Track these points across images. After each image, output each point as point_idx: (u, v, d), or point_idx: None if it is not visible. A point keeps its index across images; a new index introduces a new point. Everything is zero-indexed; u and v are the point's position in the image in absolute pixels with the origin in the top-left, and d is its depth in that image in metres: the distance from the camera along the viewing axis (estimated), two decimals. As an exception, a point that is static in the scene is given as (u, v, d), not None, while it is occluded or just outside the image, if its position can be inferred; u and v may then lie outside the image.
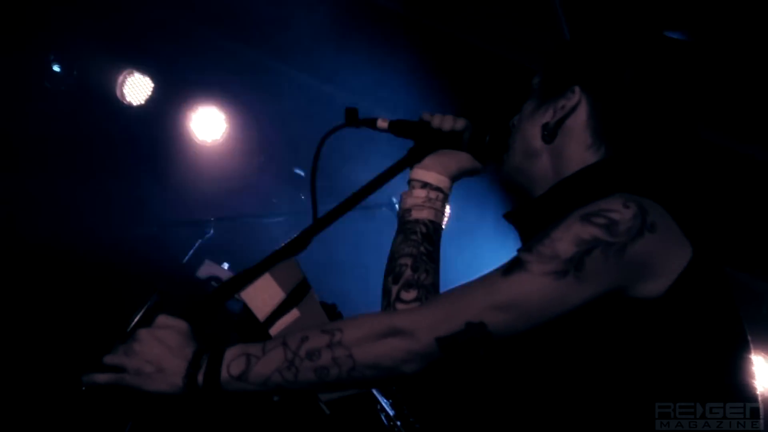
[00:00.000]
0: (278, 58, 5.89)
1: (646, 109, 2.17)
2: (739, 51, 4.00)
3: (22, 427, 4.71)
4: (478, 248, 5.06)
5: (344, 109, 2.52)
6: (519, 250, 1.92)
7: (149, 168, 6.20)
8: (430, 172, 2.50)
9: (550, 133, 2.22)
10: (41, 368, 5.16)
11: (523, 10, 4.48)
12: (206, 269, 4.47)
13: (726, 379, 1.91)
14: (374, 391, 3.70)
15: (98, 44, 5.92)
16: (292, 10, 5.39)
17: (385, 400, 3.77)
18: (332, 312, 3.41)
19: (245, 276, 2.31)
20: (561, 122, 2.21)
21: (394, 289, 2.45)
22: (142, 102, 6.11)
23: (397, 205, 2.57)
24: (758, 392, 1.98)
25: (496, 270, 1.90)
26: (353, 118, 2.52)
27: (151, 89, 6.11)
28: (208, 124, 6.16)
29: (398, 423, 3.75)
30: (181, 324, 2.06)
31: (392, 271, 2.47)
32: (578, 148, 2.20)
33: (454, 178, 2.53)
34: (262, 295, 2.46)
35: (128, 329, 4.03)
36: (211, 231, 5.48)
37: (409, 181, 2.54)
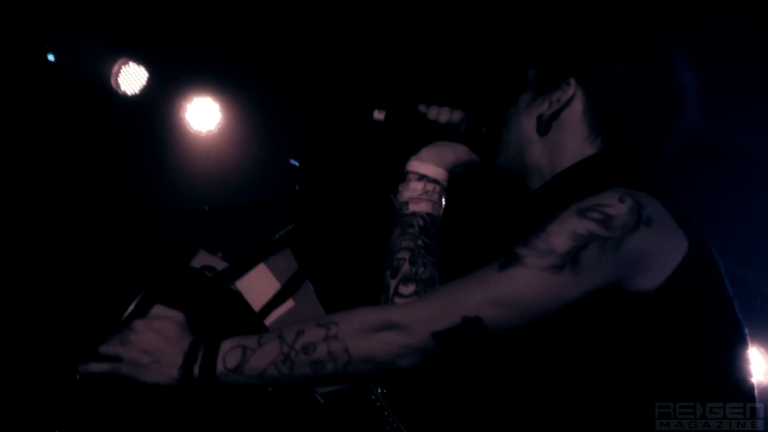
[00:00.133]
0: (274, 47, 5.88)
1: (641, 101, 2.17)
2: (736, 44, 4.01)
3: (16, 417, 4.71)
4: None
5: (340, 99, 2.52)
6: (515, 245, 1.92)
7: (143, 158, 6.19)
8: (426, 164, 2.50)
9: (545, 125, 2.23)
10: (35, 358, 5.16)
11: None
12: (200, 259, 4.45)
13: (724, 376, 1.92)
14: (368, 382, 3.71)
15: (93, 33, 5.90)
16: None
17: (379, 390, 3.78)
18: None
19: (240, 266, 2.32)
20: (556, 114, 2.22)
21: (392, 283, 2.44)
22: (137, 92, 6.10)
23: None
24: (755, 388, 1.99)
25: (492, 264, 1.91)
26: (348, 108, 2.52)
27: (145, 79, 6.09)
28: (202, 115, 6.15)
29: (392, 414, 3.75)
30: (177, 315, 2.07)
31: (390, 265, 2.47)
32: (574, 141, 2.21)
33: (451, 170, 2.52)
34: (258, 285, 2.47)
35: (122, 318, 4.02)
36: (206, 221, 5.48)
37: (406, 174, 2.53)
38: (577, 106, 2.21)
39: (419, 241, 2.46)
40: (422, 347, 1.90)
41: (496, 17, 4.76)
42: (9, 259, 5.53)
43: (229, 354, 1.98)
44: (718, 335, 1.93)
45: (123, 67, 6.08)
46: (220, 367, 1.97)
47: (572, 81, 2.21)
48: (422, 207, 2.48)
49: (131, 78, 6.10)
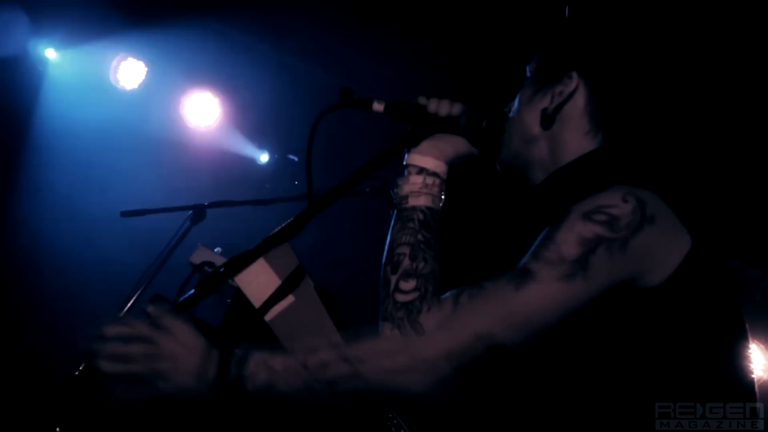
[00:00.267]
0: (272, 43, 5.88)
1: (643, 96, 2.17)
2: (736, 40, 4.01)
3: (17, 415, 4.72)
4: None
5: (339, 90, 2.51)
6: (524, 258, 1.91)
7: (142, 152, 6.19)
8: (426, 157, 2.48)
9: (548, 119, 2.22)
10: (34, 356, 5.16)
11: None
12: (199, 254, 4.45)
13: (725, 375, 1.92)
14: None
15: (93, 29, 5.90)
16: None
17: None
18: (327, 296, 3.40)
19: (240, 260, 2.30)
20: (559, 108, 2.21)
21: (393, 278, 2.44)
22: (136, 86, 6.10)
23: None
24: (756, 387, 1.98)
25: (504, 283, 1.89)
26: (348, 99, 2.50)
27: (144, 74, 6.10)
28: (201, 109, 6.15)
29: (392, 410, 3.75)
30: (186, 324, 2.06)
31: (390, 261, 2.46)
32: (576, 135, 2.20)
33: (451, 163, 2.51)
34: (257, 280, 2.45)
35: (121, 314, 4.02)
36: (204, 216, 5.47)
37: (405, 167, 2.52)
38: (579, 100, 2.21)
39: (419, 236, 2.45)
40: (448, 380, 1.89)
41: (495, 11, 4.75)
42: (7, 255, 5.52)
43: (255, 374, 1.98)
44: (719, 332, 1.93)
45: (122, 62, 6.08)
46: (249, 386, 1.98)
47: (574, 74, 2.20)
48: (422, 201, 2.46)
49: (130, 73, 6.10)
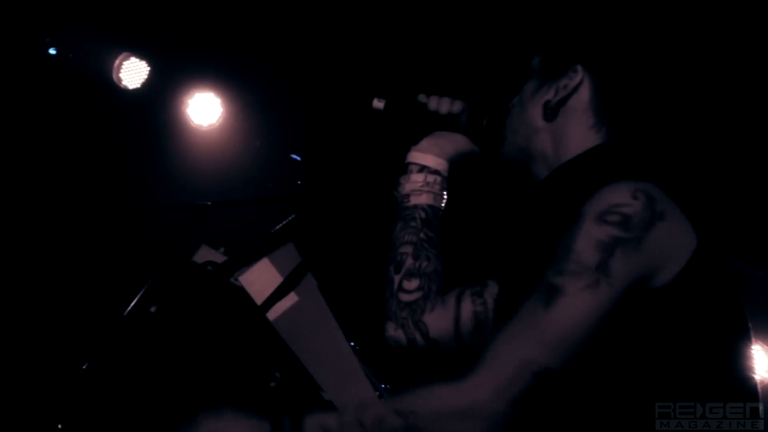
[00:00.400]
0: (275, 41, 5.88)
1: (649, 90, 2.16)
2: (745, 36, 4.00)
3: (19, 412, 4.72)
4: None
5: (341, 88, 2.51)
6: (546, 274, 1.88)
7: (145, 152, 6.19)
8: (427, 155, 2.48)
9: (552, 112, 2.21)
10: (39, 354, 5.16)
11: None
12: (202, 254, 4.45)
13: (727, 376, 1.91)
14: (372, 378, 3.70)
15: (95, 28, 5.90)
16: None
17: (382, 386, 3.77)
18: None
19: (242, 257, 2.30)
20: (563, 101, 2.20)
21: (396, 278, 2.44)
22: (138, 86, 6.10)
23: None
24: (758, 388, 1.98)
25: (533, 305, 1.85)
26: (348, 97, 2.50)
27: (147, 73, 6.09)
28: (204, 109, 6.15)
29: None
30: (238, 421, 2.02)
31: (393, 260, 2.47)
32: (580, 129, 2.19)
33: (452, 161, 2.51)
34: (261, 279, 2.46)
35: (125, 314, 4.01)
36: (208, 216, 5.48)
37: (406, 165, 2.52)
38: (584, 94, 2.19)
39: (422, 234, 2.45)
40: (504, 418, 1.85)
41: (497, 7, 4.75)
42: (11, 256, 5.52)
43: None
44: (721, 332, 1.92)
45: (124, 61, 6.08)
46: None
47: (579, 68, 2.19)
48: (423, 199, 2.46)
49: (133, 72, 6.10)
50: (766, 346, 5.16)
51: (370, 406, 1.92)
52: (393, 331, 2.49)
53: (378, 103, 2.49)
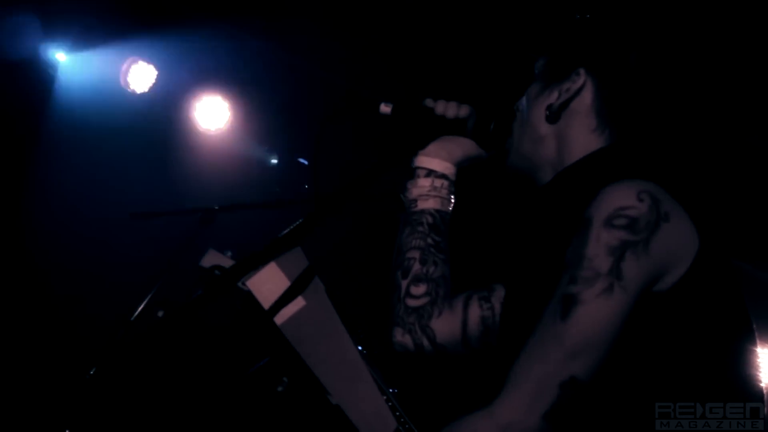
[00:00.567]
0: (281, 45, 5.88)
1: (651, 93, 2.16)
2: (748, 39, 3.99)
3: (27, 416, 4.73)
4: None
5: (346, 92, 2.51)
6: (560, 285, 1.89)
7: (153, 156, 6.20)
8: (434, 159, 2.48)
9: (555, 115, 2.21)
10: (46, 358, 5.17)
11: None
12: (210, 258, 4.45)
13: (730, 376, 1.91)
14: (379, 382, 3.70)
15: (103, 32, 5.91)
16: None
17: (390, 390, 3.77)
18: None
19: (249, 262, 2.29)
20: (566, 104, 2.20)
21: (404, 283, 2.44)
22: (146, 90, 6.11)
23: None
24: (763, 387, 1.97)
25: (551, 316, 1.86)
26: (354, 101, 2.50)
27: (155, 77, 6.10)
28: (211, 113, 6.16)
29: (404, 414, 3.74)
30: None
31: (400, 266, 2.46)
32: (582, 132, 2.19)
33: (459, 165, 2.50)
34: (268, 284, 2.45)
35: (132, 318, 4.03)
36: (214, 220, 5.48)
37: (414, 170, 2.52)
38: (587, 97, 2.19)
39: (429, 239, 2.45)
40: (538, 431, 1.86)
41: (503, 11, 4.75)
42: (18, 260, 5.54)
43: None
44: (723, 332, 1.91)
45: (132, 65, 6.09)
46: None
47: (582, 71, 2.19)
48: (431, 204, 2.46)
49: (141, 76, 6.11)
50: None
51: None
52: (400, 336, 2.49)
53: (385, 108, 2.48)
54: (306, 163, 6.29)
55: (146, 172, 6.13)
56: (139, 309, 4.04)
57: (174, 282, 4.27)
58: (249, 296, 2.63)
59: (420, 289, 2.44)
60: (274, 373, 3.55)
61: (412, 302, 2.45)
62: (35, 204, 5.75)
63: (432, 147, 2.49)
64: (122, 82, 6.06)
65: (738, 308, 1.97)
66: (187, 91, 6.16)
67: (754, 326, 2.00)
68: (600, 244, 1.84)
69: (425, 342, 2.45)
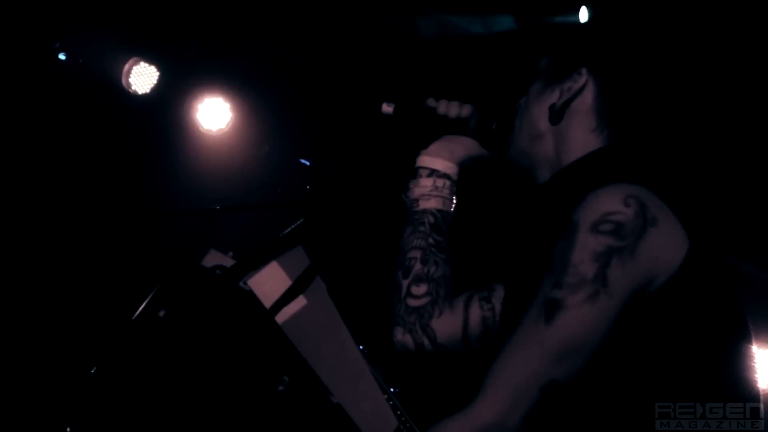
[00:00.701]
0: (283, 48, 5.89)
1: (652, 94, 2.17)
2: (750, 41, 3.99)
3: (29, 414, 4.73)
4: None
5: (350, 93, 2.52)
6: (544, 287, 1.89)
7: (154, 157, 6.20)
8: (436, 159, 2.49)
9: (557, 115, 2.22)
10: (48, 357, 5.17)
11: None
12: (211, 258, 4.46)
13: (726, 375, 1.91)
14: (380, 381, 3.71)
15: (104, 32, 5.92)
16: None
17: (391, 389, 3.78)
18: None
19: (250, 261, 2.30)
20: (567, 104, 2.21)
21: (405, 283, 2.45)
22: (148, 91, 6.11)
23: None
24: (760, 388, 1.97)
25: (534, 320, 1.87)
26: (356, 102, 2.51)
27: (156, 78, 6.10)
28: (213, 114, 6.15)
29: (405, 413, 3.75)
30: None
31: (402, 265, 2.47)
32: (582, 132, 2.20)
33: (462, 164, 2.51)
34: (270, 283, 2.46)
35: (133, 318, 4.03)
36: (217, 220, 5.49)
37: (416, 169, 2.52)
38: (588, 97, 2.20)
39: (430, 239, 2.45)
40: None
41: (506, 10, 4.75)
42: (21, 258, 5.54)
43: None
44: (719, 334, 1.92)
45: (134, 66, 6.09)
46: None
47: (584, 71, 2.20)
48: (432, 204, 2.47)
49: (142, 77, 6.11)
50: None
51: None
52: (401, 336, 2.49)
53: (387, 108, 2.50)
54: (308, 164, 6.29)
55: (148, 173, 6.13)
56: (141, 308, 4.04)
57: (175, 282, 4.28)
58: (250, 296, 2.64)
59: (421, 289, 2.44)
60: (275, 372, 3.56)
61: (412, 302, 2.46)
62: (36, 204, 5.75)
63: (434, 147, 2.50)
64: (124, 83, 6.06)
65: (733, 308, 1.98)
66: (189, 92, 6.16)
67: (751, 326, 2.00)
68: (586, 250, 1.84)
69: (426, 342, 2.45)
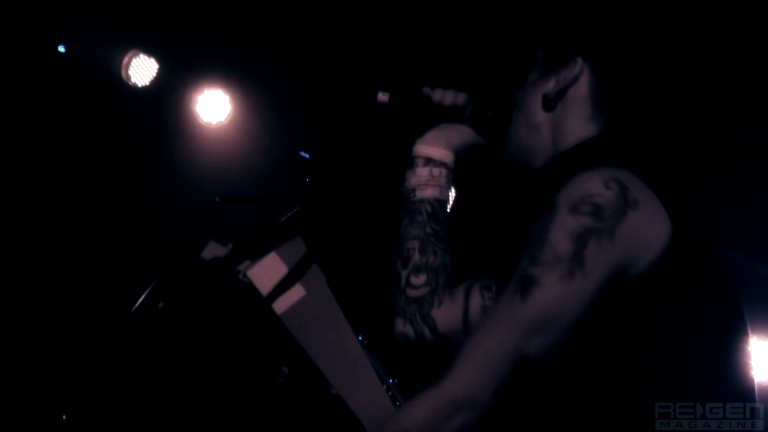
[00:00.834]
0: (282, 39, 5.89)
1: (647, 82, 2.16)
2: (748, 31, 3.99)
3: (25, 403, 4.74)
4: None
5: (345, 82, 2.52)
6: (520, 264, 1.90)
7: (154, 149, 6.20)
8: (432, 147, 2.49)
9: (551, 103, 2.22)
10: (45, 349, 5.18)
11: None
12: (210, 250, 4.46)
13: (723, 371, 1.91)
14: (381, 372, 3.71)
15: (104, 25, 5.91)
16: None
17: (390, 380, 3.78)
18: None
19: (245, 249, 2.30)
20: (562, 92, 2.21)
21: (404, 273, 2.46)
22: (147, 83, 6.10)
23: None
24: (755, 382, 1.98)
25: (510, 296, 1.88)
26: (352, 91, 2.52)
27: (156, 70, 6.10)
28: (213, 106, 6.15)
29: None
30: None
31: (400, 256, 2.48)
32: (577, 120, 2.20)
33: (458, 152, 2.51)
34: (269, 273, 2.46)
35: (132, 309, 4.03)
36: (216, 212, 5.49)
37: (412, 158, 2.53)
38: (583, 85, 2.20)
39: (428, 229, 2.46)
40: (490, 407, 1.87)
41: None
42: (20, 251, 5.54)
43: None
44: (714, 326, 1.92)
45: (134, 58, 6.08)
46: None
47: (579, 59, 2.20)
48: (429, 193, 2.47)
49: (142, 69, 6.11)
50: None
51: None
52: (401, 326, 2.50)
53: (382, 96, 2.50)
54: (307, 156, 6.29)
55: (147, 165, 6.14)
56: (140, 300, 4.04)
57: (175, 273, 4.28)
58: (250, 287, 2.64)
59: (420, 279, 2.45)
60: (274, 363, 3.56)
61: (412, 292, 2.46)
62: (33, 196, 5.76)
63: (430, 135, 2.50)
64: (123, 75, 6.06)
65: (727, 300, 1.98)
66: (188, 85, 6.16)
67: (746, 317, 2.00)
68: (564, 229, 1.85)
69: (426, 332, 2.46)
